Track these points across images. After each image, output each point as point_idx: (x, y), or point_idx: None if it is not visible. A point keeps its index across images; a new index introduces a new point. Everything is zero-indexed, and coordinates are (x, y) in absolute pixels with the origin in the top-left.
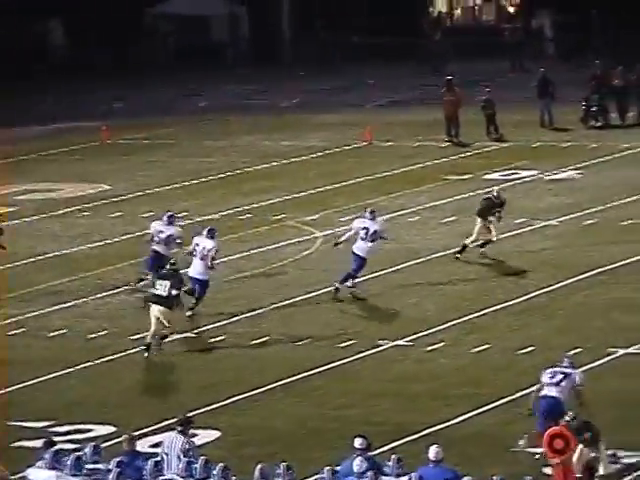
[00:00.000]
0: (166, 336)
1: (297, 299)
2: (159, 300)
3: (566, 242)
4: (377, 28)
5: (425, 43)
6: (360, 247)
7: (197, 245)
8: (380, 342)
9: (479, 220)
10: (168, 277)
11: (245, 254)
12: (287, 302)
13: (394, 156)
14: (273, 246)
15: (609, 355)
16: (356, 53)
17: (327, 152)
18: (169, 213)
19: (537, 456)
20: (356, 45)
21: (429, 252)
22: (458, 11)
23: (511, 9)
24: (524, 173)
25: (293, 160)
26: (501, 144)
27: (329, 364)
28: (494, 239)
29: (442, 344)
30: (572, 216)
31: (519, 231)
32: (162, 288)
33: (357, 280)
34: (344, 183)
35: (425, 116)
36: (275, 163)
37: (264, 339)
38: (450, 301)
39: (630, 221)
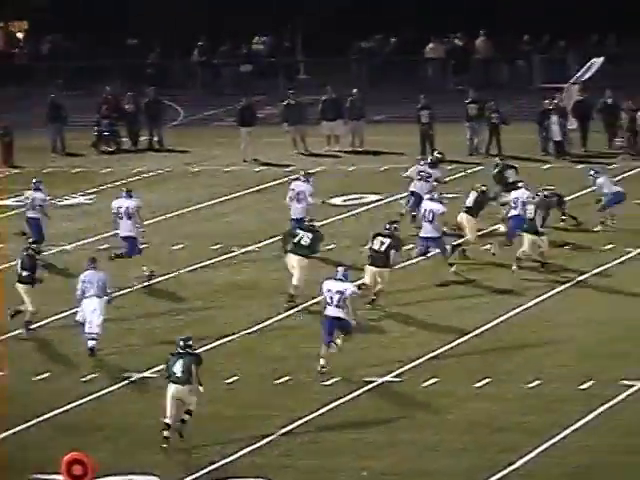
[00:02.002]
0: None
1: None
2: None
3: (79, 267)
4: None
5: None
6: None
7: (120, 207)
8: None
9: (469, 217)
10: (23, 258)
11: None
12: None
13: None
14: None
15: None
16: None
17: None
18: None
19: None
20: None
21: None
22: None
23: (19, 34)
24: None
25: None
26: (12, 170)
27: None
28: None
29: None
30: (86, 241)
31: None
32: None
33: None
34: None
35: None
36: None
37: None
38: None
39: (146, 245)
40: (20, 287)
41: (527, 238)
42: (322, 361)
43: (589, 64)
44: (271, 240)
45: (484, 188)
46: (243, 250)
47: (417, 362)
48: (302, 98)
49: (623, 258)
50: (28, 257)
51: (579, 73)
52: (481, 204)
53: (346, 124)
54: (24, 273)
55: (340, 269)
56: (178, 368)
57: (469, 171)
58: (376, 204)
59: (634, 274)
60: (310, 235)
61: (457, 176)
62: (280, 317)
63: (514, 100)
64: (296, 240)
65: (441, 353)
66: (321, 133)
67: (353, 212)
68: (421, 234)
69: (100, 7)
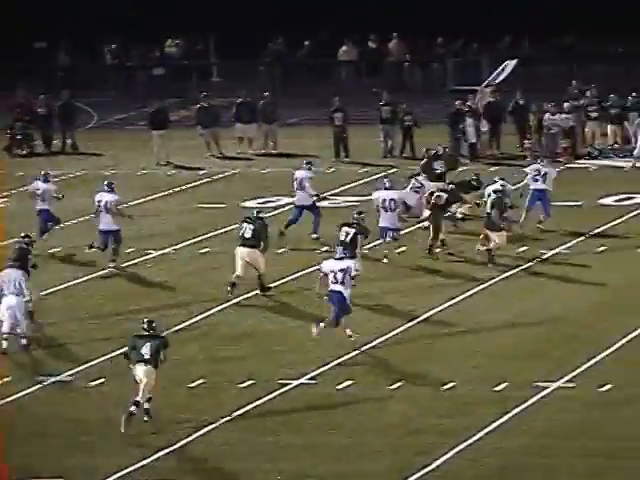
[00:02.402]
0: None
1: None
2: None
3: None
4: None
5: None
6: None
7: (99, 202)
8: None
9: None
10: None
11: None
12: None
13: None
14: None
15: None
16: None
17: None
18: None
19: None
20: None
21: None
22: None
23: None
24: None
25: None
26: None
27: None
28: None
29: None
30: None
31: None
32: None
33: None
34: None
35: None
36: None
37: None
38: None
39: (57, 249)
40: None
41: (490, 233)
42: (315, 330)
43: (502, 66)
44: (186, 243)
45: (452, 186)
46: (158, 253)
47: (332, 364)
48: (215, 101)
49: (535, 261)
50: (20, 249)
51: (492, 75)
52: (451, 202)
53: (259, 127)
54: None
55: (339, 248)
56: (146, 350)
57: (383, 173)
58: (290, 207)
59: (550, 277)
60: (252, 226)
61: (370, 179)
62: (195, 320)
63: (423, 104)
64: (241, 233)
65: (357, 355)
66: (234, 136)
67: (267, 215)
68: (382, 224)
69: (6, 9)
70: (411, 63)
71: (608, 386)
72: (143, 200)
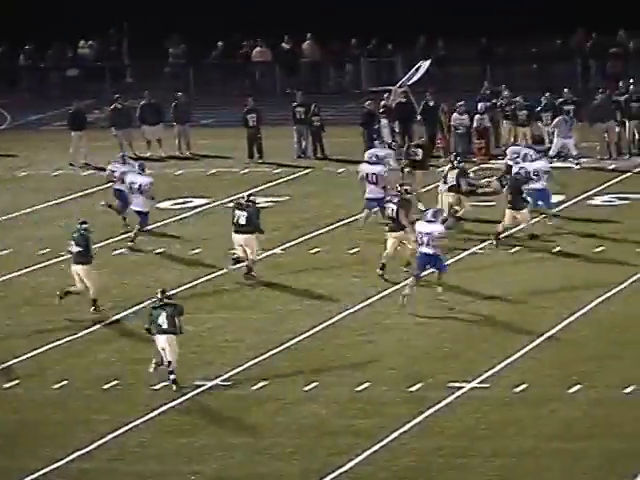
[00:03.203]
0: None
1: None
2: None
3: None
4: None
5: None
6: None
7: (133, 183)
8: None
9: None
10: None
11: None
12: None
13: None
14: None
15: None
16: None
17: None
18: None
19: None
20: None
21: None
22: None
23: None
24: None
25: None
26: None
27: None
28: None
29: None
30: None
31: None
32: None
33: None
34: None
35: None
36: None
37: None
38: None
39: None
40: (76, 269)
41: (508, 212)
42: (407, 290)
43: (416, 67)
44: (101, 244)
45: (462, 165)
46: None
47: (247, 365)
48: (129, 102)
49: (456, 258)
50: (81, 235)
51: (406, 76)
52: (462, 179)
53: (166, 128)
54: (76, 249)
55: (430, 211)
56: (162, 319)
57: (298, 174)
58: (204, 207)
59: (463, 278)
60: (245, 214)
61: (287, 179)
62: (110, 321)
63: (338, 105)
64: (235, 220)
65: (271, 356)
66: (144, 137)
67: (181, 216)
68: (367, 196)
69: None
70: (325, 64)
71: (523, 386)
72: (57, 201)
